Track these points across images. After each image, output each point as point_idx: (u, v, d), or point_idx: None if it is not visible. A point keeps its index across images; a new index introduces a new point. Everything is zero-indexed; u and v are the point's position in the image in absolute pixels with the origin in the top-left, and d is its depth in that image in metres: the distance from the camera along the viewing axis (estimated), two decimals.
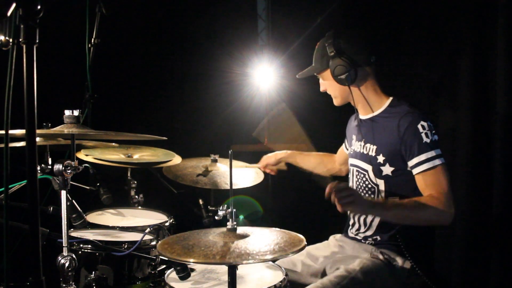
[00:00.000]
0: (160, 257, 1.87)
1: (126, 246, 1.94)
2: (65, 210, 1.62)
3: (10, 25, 1.13)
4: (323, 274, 2.11)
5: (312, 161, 2.63)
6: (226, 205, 1.69)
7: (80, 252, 1.90)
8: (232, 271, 1.43)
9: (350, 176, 2.23)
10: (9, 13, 1.12)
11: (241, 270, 1.84)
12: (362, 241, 2.11)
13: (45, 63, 1.54)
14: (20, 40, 1.13)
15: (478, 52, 2.57)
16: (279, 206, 3.70)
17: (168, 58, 3.58)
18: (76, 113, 1.73)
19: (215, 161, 2.59)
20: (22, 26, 1.13)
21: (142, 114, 3.47)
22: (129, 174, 2.63)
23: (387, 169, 2.01)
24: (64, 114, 1.73)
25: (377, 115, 2.10)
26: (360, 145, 2.15)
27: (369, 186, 2.08)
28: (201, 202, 2.67)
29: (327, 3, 3.39)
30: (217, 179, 2.45)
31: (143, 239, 1.93)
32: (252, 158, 2.76)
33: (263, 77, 3.63)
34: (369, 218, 2.08)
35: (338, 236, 2.27)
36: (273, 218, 3.63)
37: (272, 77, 3.63)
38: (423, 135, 1.92)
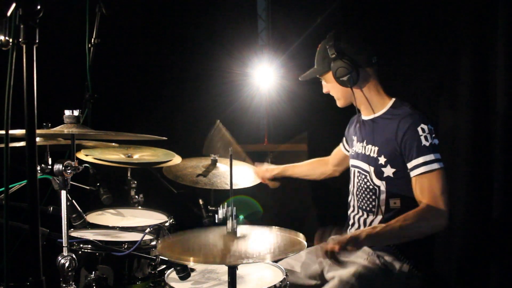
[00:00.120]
0: (160, 257, 1.87)
1: (126, 246, 1.94)
2: (65, 210, 1.62)
3: (10, 25, 1.13)
4: (321, 275, 2.11)
5: (304, 170, 2.65)
6: (226, 205, 1.68)
7: (80, 252, 1.90)
8: (232, 271, 1.43)
9: (351, 177, 2.23)
10: (9, 13, 1.12)
11: (241, 270, 1.84)
12: None
13: (45, 63, 1.54)
14: (20, 40, 1.13)
15: (478, 52, 2.57)
16: (279, 206, 3.69)
17: (168, 58, 3.58)
18: (76, 113, 1.74)
19: (215, 161, 2.59)
20: (22, 26, 1.13)
21: (142, 114, 3.47)
22: (129, 174, 2.62)
23: (389, 171, 2.01)
24: (64, 114, 1.73)
25: (379, 116, 2.10)
26: (362, 146, 2.14)
27: (370, 187, 2.07)
28: (201, 202, 2.67)
29: (327, 3, 3.39)
30: (217, 179, 2.45)
31: (143, 239, 1.93)
32: (252, 158, 2.76)
33: (263, 77, 3.63)
34: (370, 219, 2.07)
35: (337, 237, 2.26)
36: (273, 218, 3.63)
37: (272, 77, 3.63)
38: (422, 138, 1.91)
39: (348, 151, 2.37)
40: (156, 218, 2.49)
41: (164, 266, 1.92)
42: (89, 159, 2.35)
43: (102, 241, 1.96)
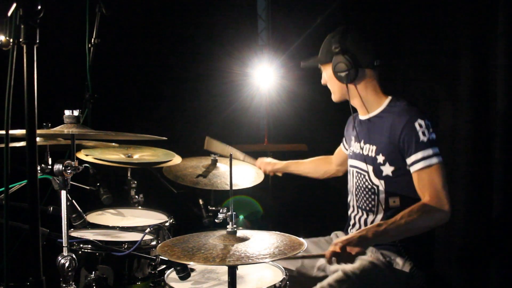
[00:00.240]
0: (160, 257, 1.87)
1: (126, 246, 1.94)
2: (65, 210, 1.62)
3: (10, 25, 1.13)
4: (323, 269, 2.12)
5: (307, 168, 2.65)
6: (226, 208, 1.68)
7: (80, 252, 1.90)
8: (232, 271, 1.43)
9: (349, 177, 2.23)
10: (9, 13, 1.12)
11: (241, 270, 1.84)
12: None
13: (45, 63, 1.54)
14: (21, 40, 1.13)
15: (478, 52, 2.57)
16: (279, 206, 3.70)
17: (168, 58, 3.58)
18: (76, 113, 1.73)
19: (215, 161, 2.59)
20: (22, 26, 1.13)
21: (142, 114, 3.47)
22: (129, 174, 2.62)
23: (387, 169, 2.01)
24: (64, 114, 1.73)
25: (375, 115, 2.10)
26: (360, 145, 2.14)
27: (369, 187, 2.07)
28: (201, 202, 2.67)
29: (327, 3, 3.39)
30: (217, 179, 2.45)
31: (143, 239, 1.93)
32: (252, 158, 2.76)
33: (263, 77, 3.63)
34: (370, 219, 2.08)
35: (340, 233, 2.27)
36: (273, 218, 3.63)
37: (272, 77, 3.63)
38: (420, 133, 1.92)
39: (347, 151, 2.37)
40: (156, 218, 2.49)
41: (164, 266, 1.92)
42: (89, 159, 2.35)
43: (102, 241, 1.96)
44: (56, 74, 2.83)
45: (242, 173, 2.60)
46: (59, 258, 1.61)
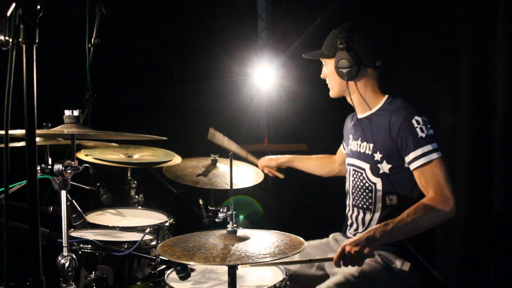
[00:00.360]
0: (160, 257, 1.87)
1: (126, 246, 1.94)
2: (65, 210, 1.62)
3: (10, 25, 1.13)
4: (322, 268, 2.12)
5: (312, 164, 2.64)
6: (226, 207, 1.68)
7: (80, 252, 1.90)
8: (232, 271, 1.43)
9: (347, 175, 2.23)
10: (9, 13, 1.12)
11: (241, 270, 1.84)
12: None
13: (45, 63, 1.54)
14: (20, 40, 1.13)
15: (478, 52, 2.57)
16: (279, 206, 3.70)
17: (168, 58, 3.58)
18: (76, 113, 1.73)
19: (215, 161, 2.59)
20: (22, 26, 1.13)
21: (142, 114, 3.47)
22: (129, 174, 2.62)
23: (385, 167, 2.01)
24: (64, 114, 1.73)
25: (373, 113, 2.10)
26: (357, 144, 2.15)
27: (366, 185, 2.08)
28: (201, 202, 2.67)
29: (327, 3, 3.39)
30: (217, 179, 2.45)
31: (143, 239, 1.93)
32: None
33: (263, 77, 3.63)
34: (368, 217, 2.08)
35: (338, 234, 2.27)
36: (273, 218, 3.63)
37: (272, 77, 3.63)
38: (418, 129, 1.92)
39: (345, 150, 2.37)
40: (156, 218, 2.49)
41: (164, 266, 1.92)
42: (89, 159, 2.35)
43: (102, 241, 1.96)
44: (56, 74, 2.83)
45: (242, 173, 2.60)
46: (59, 258, 1.61)
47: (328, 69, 2.16)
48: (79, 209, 2.05)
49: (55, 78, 2.78)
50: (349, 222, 2.18)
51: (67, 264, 1.60)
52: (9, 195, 1.18)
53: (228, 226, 1.53)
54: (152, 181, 2.75)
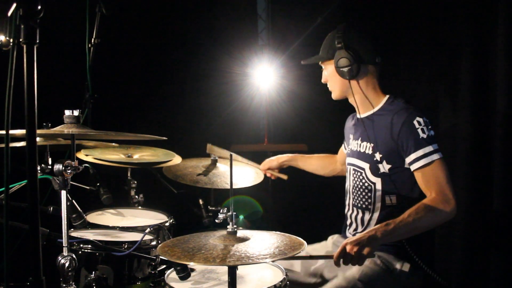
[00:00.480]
0: (160, 257, 1.87)
1: (126, 246, 1.94)
2: (65, 210, 1.61)
3: (10, 25, 1.13)
4: (321, 275, 2.11)
5: (314, 164, 2.64)
6: (226, 208, 1.68)
7: (80, 252, 1.90)
8: (232, 271, 1.43)
9: (347, 175, 2.23)
10: (9, 13, 1.12)
11: (241, 270, 1.84)
12: None
13: (45, 63, 1.54)
14: (21, 40, 1.13)
15: (478, 52, 2.57)
16: (279, 206, 3.70)
17: (168, 58, 3.58)
18: (76, 113, 1.73)
19: (215, 161, 2.59)
20: (22, 26, 1.13)
21: (142, 114, 3.47)
22: (129, 174, 2.62)
23: (384, 167, 2.01)
24: (64, 114, 1.73)
25: (373, 113, 2.11)
26: (357, 143, 2.15)
27: (366, 184, 2.08)
28: (201, 202, 2.67)
29: (327, 3, 3.39)
30: (217, 178, 2.45)
31: (143, 239, 1.93)
32: (252, 158, 2.76)
33: (263, 77, 3.63)
34: (367, 217, 2.08)
35: (336, 236, 2.27)
36: (273, 218, 3.63)
37: (272, 77, 3.63)
38: (419, 130, 1.92)
39: (346, 149, 2.37)
40: (156, 218, 2.49)
41: (164, 266, 1.92)
42: (89, 159, 2.35)
43: (102, 241, 1.96)
44: (56, 74, 2.82)
45: (242, 173, 2.60)
46: (59, 258, 1.61)
47: (329, 71, 2.16)
48: (79, 209, 2.05)
49: (55, 78, 2.78)
50: (348, 222, 2.18)
51: (67, 264, 1.60)
52: (9, 195, 1.18)
53: (228, 226, 1.53)
54: (152, 181, 2.75)
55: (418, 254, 1.97)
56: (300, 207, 3.66)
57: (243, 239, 1.50)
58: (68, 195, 1.64)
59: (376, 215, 2.05)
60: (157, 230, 2.14)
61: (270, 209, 3.61)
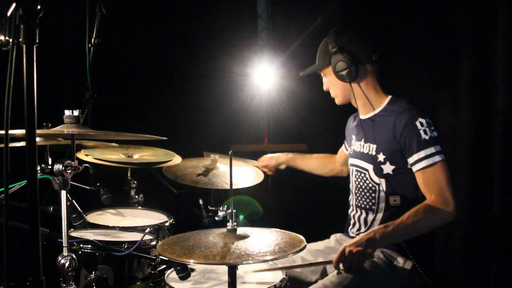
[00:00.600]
0: (160, 257, 1.87)
1: (126, 246, 1.94)
2: (65, 210, 1.62)
3: (10, 25, 1.13)
4: (323, 271, 2.11)
5: (313, 163, 2.64)
6: (226, 206, 1.68)
7: (80, 252, 1.90)
8: (232, 271, 1.43)
9: (350, 176, 2.23)
10: (9, 13, 1.12)
11: (241, 270, 1.84)
12: None
13: (45, 63, 1.54)
14: (20, 40, 1.13)
15: (478, 52, 2.57)
16: (279, 206, 3.69)
17: (168, 58, 3.58)
18: (76, 113, 1.73)
19: (215, 161, 2.59)
20: (22, 26, 1.13)
21: (142, 114, 3.47)
22: (129, 174, 2.62)
23: (388, 168, 2.01)
24: (64, 114, 1.73)
25: (376, 114, 2.10)
26: (360, 144, 2.15)
27: (370, 185, 2.08)
28: (201, 202, 2.67)
29: (327, 3, 3.39)
30: (217, 179, 2.45)
31: (143, 239, 1.93)
32: (252, 158, 2.76)
33: (263, 77, 3.63)
34: (370, 218, 2.08)
35: (339, 235, 2.27)
36: (273, 218, 3.63)
37: (272, 77, 3.63)
38: (421, 131, 1.92)
39: (347, 150, 2.37)
40: (156, 218, 2.49)
41: (164, 266, 1.92)
42: (89, 159, 2.35)
43: (102, 241, 1.96)
44: (56, 74, 2.83)
45: (242, 173, 2.60)
46: (59, 258, 1.61)
47: (328, 78, 2.16)
48: (79, 209, 2.05)
49: (55, 78, 2.78)
50: (351, 222, 2.18)
51: (67, 264, 1.60)
52: (9, 195, 1.18)
53: (228, 224, 1.53)
54: (152, 181, 2.75)
55: (418, 254, 1.98)
56: (300, 207, 3.66)
57: (243, 237, 1.49)
58: (68, 195, 1.64)
59: (379, 215, 2.05)
60: (157, 230, 2.13)
61: (270, 209, 3.60)
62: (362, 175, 2.11)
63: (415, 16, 2.95)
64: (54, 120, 1.87)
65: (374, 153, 2.06)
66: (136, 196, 2.62)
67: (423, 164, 1.90)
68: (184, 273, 1.75)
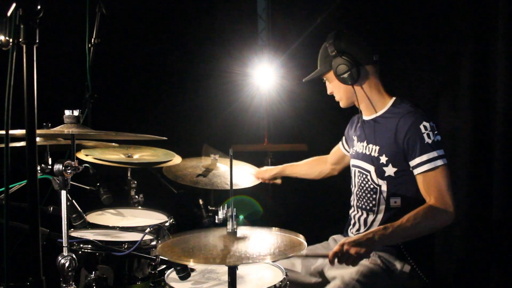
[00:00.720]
0: (160, 257, 1.87)
1: (126, 246, 1.94)
2: (65, 210, 1.62)
3: (10, 25, 1.13)
4: (322, 273, 2.11)
5: (302, 168, 2.66)
6: (226, 206, 1.68)
7: (80, 252, 1.90)
8: (232, 271, 1.43)
9: (352, 177, 2.23)
10: (9, 13, 1.12)
11: (241, 270, 1.84)
12: None
13: (45, 63, 1.54)
14: (20, 40, 1.13)
15: (478, 52, 2.57)
16: (279, 206, 3.69)
17: (168, 58, 3.58)
18: (76, 113, 1.73)
19: (215, 161, 2.59)
20: (22, 26, 1.13)
21: (142, 114, 3.47)
22: (129, 174, 2.62)
23: (390, 170, 2.01)
24: (64, 114, 1.73)
25: (379, 115, 2.10)
26: (363, 145, 2.14)
27: (371, 186, 2.07)
28: (201, 202, 2.67)
29: (327, 3, 3.39)
30: (217, 179, 2.45)
31: (143, 239, 1.93)
32: (252, 158, 2.77)
33: (263, 77, 3.63)
34: (370, 218, 2.08)
35: (337, 236, 2.27)
36: (273, 218, 3.63)
37: (272, 77, 3.63)
38: (425, 135, 1.92)
39: (348, 151, 2.37)
40: (156, 218, 2.49)
41: (164, 266, 1.92)
42: (89, 159, 2.35)
43: (102, 241, 1.96)
44: (56, 74, 2.83)
45: (242, 173, 2.60)
46: (59, 258, 1.61)
47: (331, 82, 2.16)
48: (79, 209, 2.05)
49: (55, 78, 2.78)
50: (352, 222, 2.18)
51: (67, 264, 1.60)
52: (9, 195, 1.18)
53: (228, 226, 1.53)
54: (152, 181, 2.75)
55: (417, 255, 1.98)
56: (300, 207, 3.66)
57: (243, 238, 1.49)
58: (68, 195, 1.64)
59: (380, 216, 2.05)
60: (157, 230, 2.13)
61: (270, 209, 3.60)
62: (364, 176, 2.11)
63: (415, 16, 2.95)
64: (54, 120, 1.87)
65: (376, 154, 2.06)
66: (136, 196, 2.62)
67: (424, 168, 1.90)
68: (184, 273, 1.75)
